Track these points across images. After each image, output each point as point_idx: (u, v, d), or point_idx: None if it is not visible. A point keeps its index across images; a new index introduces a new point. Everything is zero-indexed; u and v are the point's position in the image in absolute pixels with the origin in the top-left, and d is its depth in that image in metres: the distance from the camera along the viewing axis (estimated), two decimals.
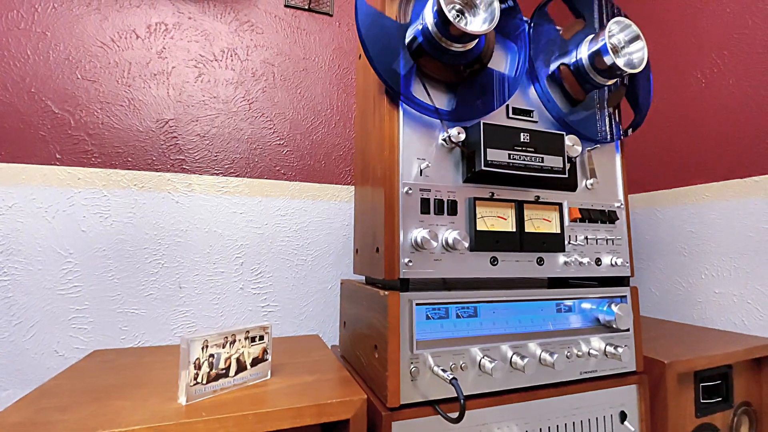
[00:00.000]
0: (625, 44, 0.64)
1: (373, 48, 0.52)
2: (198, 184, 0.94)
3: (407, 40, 0.55)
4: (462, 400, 0.44)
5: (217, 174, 0.96)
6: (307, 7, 1.09)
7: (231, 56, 1.01)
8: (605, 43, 0.60)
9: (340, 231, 1.05)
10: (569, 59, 0.65)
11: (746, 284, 0.90)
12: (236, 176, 0.98)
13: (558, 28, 0.67)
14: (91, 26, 0.90)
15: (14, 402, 0.45)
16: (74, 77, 0.88)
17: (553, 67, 0.65)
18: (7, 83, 0.83)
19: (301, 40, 1.08)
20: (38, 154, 0.84)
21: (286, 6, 1.07)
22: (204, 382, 0.45)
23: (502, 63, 0.61)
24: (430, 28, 0.52)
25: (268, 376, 0.52)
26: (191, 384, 0.44)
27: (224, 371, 0.47)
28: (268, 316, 0.97)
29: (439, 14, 0.50)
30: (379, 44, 0.53)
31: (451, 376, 0.47)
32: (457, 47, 0.54)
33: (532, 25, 0.63)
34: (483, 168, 0.53)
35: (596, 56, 0.62)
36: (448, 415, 0.47)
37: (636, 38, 0.63)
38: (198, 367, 0.45)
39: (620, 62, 0.61)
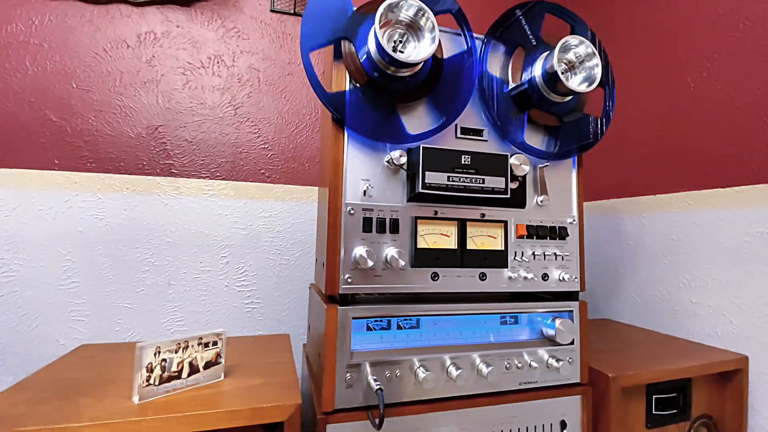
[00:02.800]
0: (582, 60, 0.63)
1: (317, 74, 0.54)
2: (186, 187, 1.00)
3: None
4: (382, 410, 0.48)
5: (203, 177, 1.02)
6: (293, 11, 1.11)
7: (217, 63, 1.04)
8: (559, 61, 0.60)
9: None
10: (524, 76, 0.65)
11: (722, 296, 0.89)
12: (222, 179, 1.03)
13: None
14: (85, 37, 0.95)
15: None
16: (70, 87, 0.94)
17: (506, 84, 0.66)
18: (8, 93, 0.90)
19: (287, 45, 1.10)
20: (38, 160, 0.91)
21: (272, 11, 1.09)
22: (156, 383, 0.51)
23: (451, 83, 0.62)
24: (373, 55, 0.54)
25: (221, 378, 0.58)
26: (144, 385, 0.50)
27: (177, 374, 0.53)
28: (252, 312, 1.03)
29: (379, 44, 0.52)
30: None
31: (378, 386, 0.51)
32: (404, 72, 0.56)
33: (485, 41, 0.64)
34: (421, 190, 0.55)
35: (549, 74, 0.62)
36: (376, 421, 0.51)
37: (591, 55, 0.62)
38: (150, 370, 0.50)
39: (574, 81, 0.61)
